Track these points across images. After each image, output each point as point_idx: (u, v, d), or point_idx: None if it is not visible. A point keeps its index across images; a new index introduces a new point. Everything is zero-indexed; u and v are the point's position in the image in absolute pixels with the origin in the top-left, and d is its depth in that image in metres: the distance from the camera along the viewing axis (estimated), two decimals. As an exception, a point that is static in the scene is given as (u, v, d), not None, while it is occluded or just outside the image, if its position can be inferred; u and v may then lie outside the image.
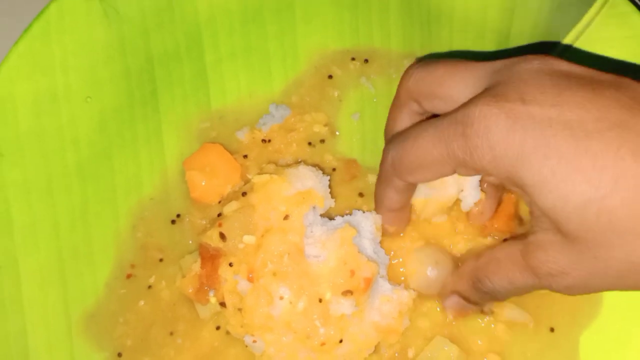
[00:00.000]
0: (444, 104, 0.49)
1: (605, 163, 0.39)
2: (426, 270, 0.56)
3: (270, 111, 0.66)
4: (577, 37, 0.61)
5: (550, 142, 0.41)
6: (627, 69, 0.58)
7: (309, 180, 0.57)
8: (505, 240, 0.57)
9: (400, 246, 0.58)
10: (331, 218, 0.58)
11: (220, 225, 0.55)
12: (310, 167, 0.59)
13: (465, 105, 0.45)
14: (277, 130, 0.64)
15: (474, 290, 0.53)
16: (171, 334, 0.59)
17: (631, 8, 0.59)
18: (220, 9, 0.66)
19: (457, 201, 0.56)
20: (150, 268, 0.61)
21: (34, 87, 0.59)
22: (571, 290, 0.45)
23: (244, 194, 0.57)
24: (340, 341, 0.54)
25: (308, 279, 0.54)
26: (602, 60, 0.59)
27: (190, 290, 0.57)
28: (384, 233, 0.57)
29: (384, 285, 0.56)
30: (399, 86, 0.53)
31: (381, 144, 0.56)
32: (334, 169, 0.64)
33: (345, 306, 0.53)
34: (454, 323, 0.57)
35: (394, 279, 0.57)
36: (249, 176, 0.62)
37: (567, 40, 0.61)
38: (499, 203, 0.57)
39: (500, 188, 0.56)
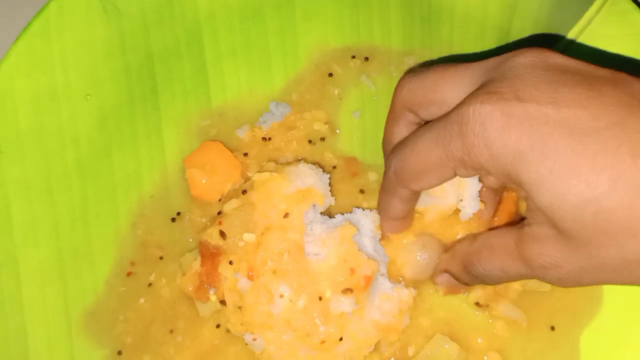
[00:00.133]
0: (440, 110, 0.48)
1: (604, 163, 0.39)
2: (416, 256, 0.56)
3: (271, 109, 0.66)
4: (577, 35, 0.60)
5: (548, 140, 0.40)
6: (626, 64, 0.58)
7: (309, 178, 0.57)
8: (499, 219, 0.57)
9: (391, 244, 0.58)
10: (331, 216, 0.58)
11: (220, 223, 0.55)
12: (310, 165, 0.59)
13: (459, 104, 0.45)
14: (278, 128, 0.64)
15: (464, 272, 0.53)
16: (171, 331, 0.59)
17: (632, 6, 0.58)
18: (220, 5, 0.66)
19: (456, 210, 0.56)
20: (150, 266, 0.61)
21: (33, 85, 0.59)
22: (563, 282, 0.44)
23: (244, 192, 0.57)
24: (340, 339, 0.54)
25: (308, 277, 0.54)
26: (603, 56, 0.59)
27: (190, 288, 0.57)
28: (383, 238, 0.57)
29: (384, 283, 0.56)
30: (393, 98, 0.53)
31: (381, 141, 0.56)
32: (334, 167, 0.64)
33: (345, 304, 0.53)
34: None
35: (394, 277, 0.57)
36: (249, 174, 0.62)
37: (567, 39, 0.61)
38: (498, 204, 0.57)
39: (499, 193, 0.56)
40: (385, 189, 0.53)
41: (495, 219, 0.57)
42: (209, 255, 0.56)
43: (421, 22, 0.67)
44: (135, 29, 0.63)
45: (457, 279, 0.54)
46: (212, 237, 0.56)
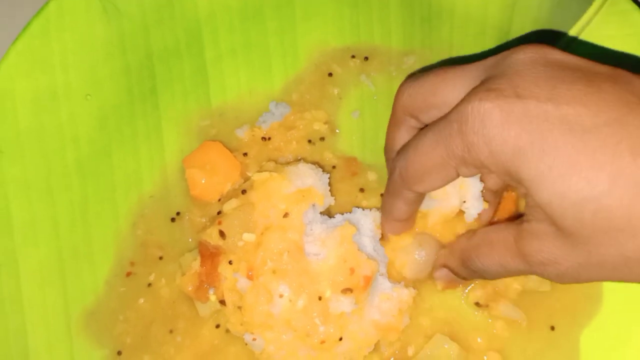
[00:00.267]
0: (441, 113, 0.48)
1: (603, 160, 0.39)
2: (414, 255, 0.56)
3: (270, 109, 0.66)
4: (577, 35, 0.60)
5: (547, 137, 0.40)
6: (626, 61, 0.58)
7: (308, 178, 0.57)
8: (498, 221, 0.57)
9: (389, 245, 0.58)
10: (331, 216, 0.58)
11: (220, 223, 0.55)
12: (310, 165, 0.59)
13: (459, 103, 0.44)
14: (277, 128, 0.64)
15: (463, 267, 0.53)
16: (171, 331, 0.59)
17: (632, 6, 0.58)
18: (220, 5, 0.66)
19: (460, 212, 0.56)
20: (150, 266, 0.61)
21: (33, 85, 0.59)
22: (562, 279, 0.44)
23: (243, 191, 0.57)
24: (340, 339, 0.54)
25: (308, 277, 0.54)
26: (603, 54, 0.59)
27: (190, 288, 0.57)
28: (383, 239, 0.57)
29: (384, 283, 0.56)
30: (394, 104, 0.53)
31: (381, 141, 0.56)
32: (334, 167, 0.64)
33: (345, 304, 0.53)
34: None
35: (394, 279, 0.57)
36: (249, 174, 0.62)
37: (567, 38, 0.61)
38: (498, 204, 0.57)
39: (499, 194, 0.56)
40: (390, 191, 0.53)
41: (495, 219, 0.57)
42: (209, 255, 0.56)
43: (421, 22, 0.67)
44: (135, 28, 0.63)
45: (455, 273, 0.54)
46: (211, 237, 0.56)
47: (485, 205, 0.54)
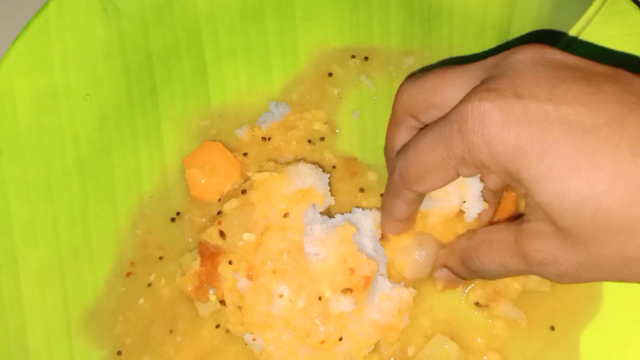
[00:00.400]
0: (441, 113, 0.48)
1: (603, 160, 0.39)
2: (414, 255, 0.56)
3: (270, 109, 0.65)
4: (577, 35, 0.60)
5: (548, 137, 0.40)
6: (627, 61, 0.58)
7: (308, 178, 0.57)
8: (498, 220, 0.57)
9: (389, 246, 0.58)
10: (331, 216, 0.58)
11: (219, 223, 0.55)
12: (310, 165, 0.59)
13: (459, 103, 0.44)
14: (277, 128, 0.64)
15: (463, 267, 0.53)
16: (171, 332, 0.59)
17: (632, 6, 0.58)
18: (220, 5, 0.66)
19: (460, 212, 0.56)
20: (150, 266, 0.61)
21: (33, 85, 0.59)
22: (561, 279, 0.44)
23: (243, 191, 0.57)
24: (340, 339, 0.54)
25: (308, 277, 0.54)
26: (604, 54, 0.59)
27: (190, 288, 0.57)
28: (383, 239, 0.57)
29: (384, 283, 0.56)
30: (394, 104, 0.53)
31: (381, 141, 0.56)
32: (333, 167, 0.64)
33: (345, 304, 0.53)
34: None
35: (395, 279, 0.57)
36: (249, 174, 0.62)
37: (567, 38, 0.61)
38: (498, 204, 0.57)
39: (499, 194, 0.56)
40: (390, 191, 0.53)
41: (495, 219, 0.57)
42: (209, 255, 0.56)
43: (421, 22, 0.67)
44: (135, 29, 0.63)
45: (455, 273, 0.54)
46: (211, 237, 0.56)
47: (485, 205, 0.54)
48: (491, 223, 0.57)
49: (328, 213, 0.59)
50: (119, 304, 0.60)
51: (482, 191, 0.54)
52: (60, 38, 0.60)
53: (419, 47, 0.67)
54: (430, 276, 0.57)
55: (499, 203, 0.57)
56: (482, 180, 0.53)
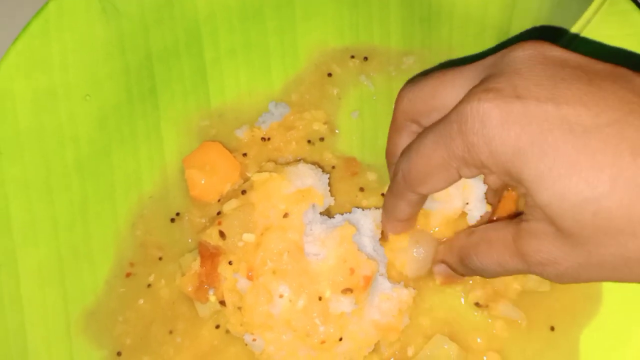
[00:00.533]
0: (441, 116, 0.47)
1: (604, 161, 0.39)
2: (412, 253, 0.56)
3: (270, 109, 0.66)
4: (577, 34, 0.60)
5: (548, 137, 0.40)
6: (628, 60, 0.58)
7: (308, 179, 0.57)
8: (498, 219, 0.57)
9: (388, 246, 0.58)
10: (331, 216, 0.58)
11: (219, 223, 0.55)
12: (309, 165, 0.59)
13: (458, 103, 0.44)
14: (277, 128, 0.64)
15: (461, 265, 0.52)
16: (171, 332, 0.59)
17: (631, 6, 0.58)
18: (220, 5, 0.66)
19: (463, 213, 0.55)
20: (149, 266, 0.61)
21: (33, 85, 0.59)
22: (561, 279, 0.44)
23: (243, 192, 0.57)
24: (340, 339, 0.54)
25: (308, 277, 0.54)
26: (604, 52, 0.59)
27: (189, 289, 0.57)
28: (383, 238, 0.57)
29: (384, 283, 0.56)
30: (395, 110, 0.53)
31: (381, 141, 0.56)
32: (333, 167, 0.64)
33: (344, 304, 0.53)
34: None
35: (395, 280, 0.57)
36: (249, 174, 0.62)
37: (567, 37, 0.61)
38: (498, 203, 0.57)
39: (499, 193, 0.56)
40: (394, 192, 0.53)
41: (495, 217, 0.57)
42: (209, 256, 0.56)
43: (420, 22, 0.67)
44: (135, 29, 0.63)
45: (453, 270, 0.54)
46: (211, 237, 0.56)
47: (489, 208, 0.54)
48: (490, 221, 0.57)
49: (328, 213, 0.59)
50: (119, 304, 0.60)
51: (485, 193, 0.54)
52: (60, 38, 0.60)
53: (418, 47, 0.67)
54: (431, 273, 0.57)
55: (498, 202, 0.57)
56: (484, 181, 0.53)
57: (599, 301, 0.57)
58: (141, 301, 0.60)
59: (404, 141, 0.52)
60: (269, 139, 0.64)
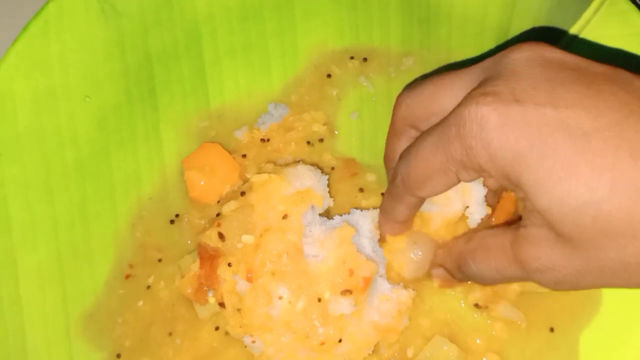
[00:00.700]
0: (440, 120, 0.47)
1: (603, 164, 0.39)
2: (410, 255, 0.56)
3: (269, 110, 0.66)
4: (577, 35, 0.60)
5: (547, 141, 0.40)
6: (628, 61, 0.58)
7: (307, 180, 0.57)
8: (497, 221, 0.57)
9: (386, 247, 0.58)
10: (330, 217, 0.58)
11: (219, 225, 0.55)
12: (309, 166, 0.59)
13: (456, 107, 0.44)
14: (276, 130, 0.64)
15: (458, 271, 0.52)
16: (170, 334, 0.59)
17: (631, 6, 0.58)
18: (219, 6, 0.66)
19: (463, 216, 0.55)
20: (149, 268, 0.61)
21: (32, 85, 0.59)
22: (560, 286, 0.44)
23: (242, 193, 0.57)
24: (340, 341, 0.54)
25: (307, 279, 0.54)
26: (604, 53, 0.59)
27: (189, 291, 0.57)
28: (381, 239, 0.57)
29: (383, 285, 0.56)
30: (393, 116, 0.52)
31: (380, 142, 0.56)
32: (332, 168, 0.64)
33: (344, 305, 0.53)
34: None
35: (394, 281, 0.57)
36: (248, 176, 0.62)
37: (566, 38, 0.61)
38: (497, 204, 0.57)
39: (498, 194, 0.56)
40: (392, 195, 0.53)
41: (493, 219, 0.57)
42: (208, 257, 0.56)
43: (420, 23, 0.67)
44: (134, 30, 0.63)
45: (452, 275, 0.54)
46: (210, 239, 0.56)
47: (489, 210, 0.54)
48: (490, 224, 0.57)
49: (327, 214, 0.59)
50: (118, 305, 0.60)
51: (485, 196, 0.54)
52: (60, 39, 0.60)
53: (417, 48, 0.67)
54: (429, 275, 0.57)
55: (497, 203, 0.57)
56: (483, 184, 0.53)
57: (598, 302, 0.57)
58: (140, 303, 0.60)
59: (402, 146, 0.52)
60: (268, 140, 0.64)
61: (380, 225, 0.57)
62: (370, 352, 0.56)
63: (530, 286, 0.57)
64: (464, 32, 0.66)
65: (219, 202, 0.61)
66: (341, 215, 0.57)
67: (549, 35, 0.62)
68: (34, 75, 0.59)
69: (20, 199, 0.59)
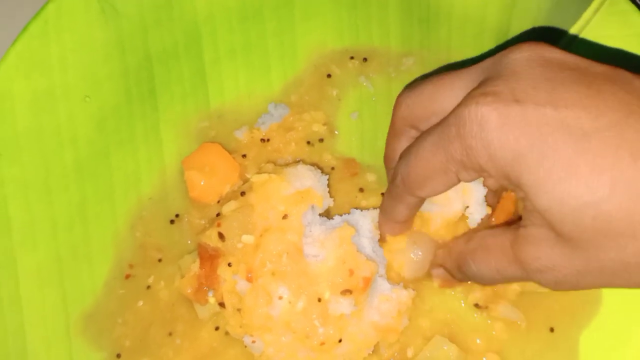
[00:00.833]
0: (439, 119, 0.47)
1: (604, 164, 0.39)
2: (410, 255, 0.56)
3: (269, 110, 0.66)
4: (576, 35, 0.60)
5: (547, 141, 0.40)
6: (627, 61, 0.58)
7: (307, 180, 0.57)
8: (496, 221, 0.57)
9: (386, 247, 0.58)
10: (330, 217, 0.58)
11: (219, 225, 0.55)
12: (309, 166, 0.59)
13: (456, 107, 0.44)
14: (276, 130, 0.64)
15: (458, 271, 0.52)
16: (170, 334, 0.59)
17: (631, 6, 0.58)
18: (219, 6, 0.66)
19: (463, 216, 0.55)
20: (149, 268, 0.61)
21: (32, 86, 0.59)
22: (560, 286, 0.44)
23: (242, 193, 0.57)
24: (340, 341, 0.54)
25: (307, 279, 0.54)
26: (604, 53, 0.59)
27: (189, 291, 0.57)
28: (381, 239, 0.57)
29: (383, 285, 0.56)
30: (393, 116, 0.52)
31: (380, 142, 0.56)
32: (332, 168, 0.64)
33: (344, 306, 0.53)
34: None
35: (394, 281, 0.57)
36: (248, 176, 0.62)
37: (566, 38, 0.61)
38: (496, 204, 0.57)
39: (498, 194, 0.56)
40: (392, 195, 0.53)
41: (493, 219, 0.57)
42: (208, 258, 0.56)
43: (419, 23, 0.67)
44: (134, 30, 0.63)
45: (452, 275, 0.54)
46: (210, 239, 0.55)
47: (489, 210, 0.54)
48: (489, 224, 0.57)
49: (327, 214, 0.59)
50: (118, 306, 0.60)
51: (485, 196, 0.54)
52: (59, 39, 0.60)
53: (417, 48, 0.67)
54: (429, 275, 0.57)
55: (497, 202, 0.57)
56: (483, 183, 0.53)
57: (598, 302, 0.57)
58: (140, 303, 0.60)
59: (402, 146, 0.52)
60: (268, 140, 0.64)
61: (380, 225, 0.57)
62: (370, 352, 0.56)
63: (530, 286, 0.57)
64: (464, 32, 0.66)
65: (219, 202, 0.61)
66: (341, 215, 0.57)
67: (549, 36, 0.62)
68: (34, 75, 0.59)
69: (19, 199, 0.58)
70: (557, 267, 0.43)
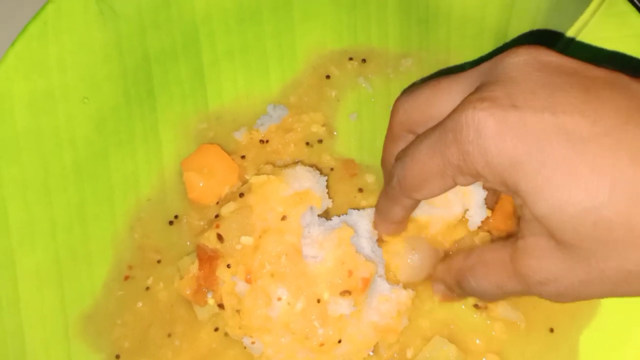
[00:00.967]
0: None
1: (603, 170, 0.38)
2: (407, 260, 0.56)
3: (268, 111, 0.66)
4: (575, 36, 0.60)
5: (545, 147, 0.39)
6: (625, 62, 0.58)
7: (306, 181, 0.57)
8: (494, 240, 0.57)
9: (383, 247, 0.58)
10: (329, 218, 0.58)
11: (217, 226, 0.55)
12: (307, 167, 0.59)
13: (453, 111, 0.43)
14: (275, 131, 0.64)
15: (458, 287, 0.52)
16: (169, 335, 0.59)
17: (629, 7, 0.58)
18: (217, 7, 0.66)
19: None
20: (147, 269, 0.61)
21: (31, 87, 0.59)
22: (562, 297, 0.43)
23: (241, 194, 0.57)
24: (339, 341, 0.54)
25: (306, 280, 0.54)
26: (602, 55, 0.59)
27: (188, 292, 0.57)
28: (379, 240, 0.57)
29: (382, 285, 0.56)
30: (391, 121, 0.52)
31: (379, 143, 0.56)
32: (331, 169, 0.64)
33: (343, 306, 0.53)
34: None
35: (392, 280, 0.57)
36: (247, 177, 0.62)
37: (564, 40, 0.61)
38: (495, 204, 0.57)
39: (497, 194, 0.56)
40: (389, 196, 0.52)
41: (491, 220, 0.57)
42: (207, 259, 0.56)
43: (418, 23, 0.67)
44: (132, 31, 0.63)
45: (451, 291, 0.54)
46: (209, 240, 0.55)
47: (489, 213, 0.54)
48: (488, 224, 0.57)
49: (326, 215, 0.59)
50: (117, 307, 0.60)
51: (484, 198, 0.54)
52: (58, 40, 0.60)
53: (416, 49, 0.67)
54: (424, 280, 0.57)
55: (496, 203, 0.57)
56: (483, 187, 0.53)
57: (598, 302, 0.57)
58: (139, 304, 0.60)
59: (400, 150, 0.52)
60: (267, 141, 0.64)
61: (375, 225, 0.57)
62: (370, 353, 0.56)
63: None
64: (463, 33, 0.66)
65: (217, 203, 0.61)
66: (340, 216, 0.57)
67: (547, 38, 0.62)
68: (33, 76, 0.59)
69: (18, 200, 0.58)
70: (558, 278, 0.42)
